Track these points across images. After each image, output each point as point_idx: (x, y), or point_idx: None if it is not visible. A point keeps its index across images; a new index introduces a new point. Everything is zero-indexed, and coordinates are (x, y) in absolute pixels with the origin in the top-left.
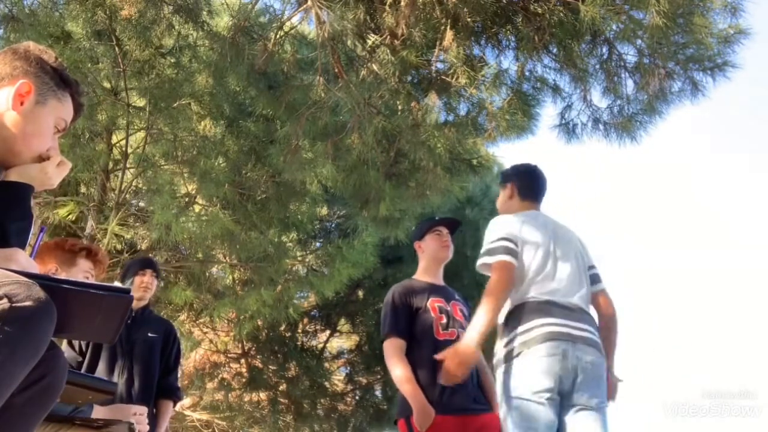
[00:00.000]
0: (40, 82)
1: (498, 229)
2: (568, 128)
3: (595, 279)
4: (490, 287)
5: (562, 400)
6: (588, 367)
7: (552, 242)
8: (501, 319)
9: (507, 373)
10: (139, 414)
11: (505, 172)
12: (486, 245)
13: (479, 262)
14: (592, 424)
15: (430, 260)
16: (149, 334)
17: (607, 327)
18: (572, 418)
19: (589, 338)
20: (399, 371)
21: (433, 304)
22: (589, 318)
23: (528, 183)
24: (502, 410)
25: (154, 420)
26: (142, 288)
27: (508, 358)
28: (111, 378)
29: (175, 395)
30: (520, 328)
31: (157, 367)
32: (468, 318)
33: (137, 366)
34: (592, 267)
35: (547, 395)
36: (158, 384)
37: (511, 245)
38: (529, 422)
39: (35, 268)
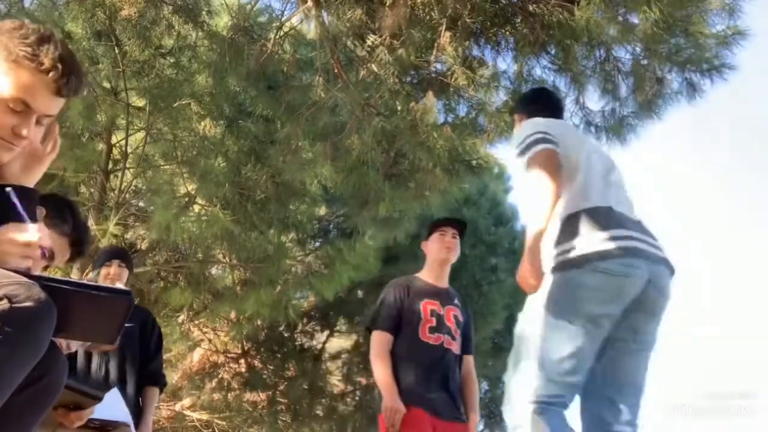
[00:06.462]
0: None
1: (527, 128)
2: None
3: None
4: (540, 183)
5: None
6: (658, 295)
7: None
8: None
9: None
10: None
11: (516, 103)
12: (518, 146)
13: (520, 158)
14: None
15: (432, 261)
16: (125, 325)
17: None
18: (613, 355)
19: (663, 257)
20: (377, 366)
21: (426, 305)
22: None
23: (541, 102)
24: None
25: (138, 409)
26: (108, 280)
27: (562, 268)
28: (90, 373)
29: (158, 382)
30: (581, 237)
31: (136, 357)
32: (460, 326)
33: (113, 359)
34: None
35: (606, 318)
36: (142, 372)
37: (548, 136)
38: (573, 343)
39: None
